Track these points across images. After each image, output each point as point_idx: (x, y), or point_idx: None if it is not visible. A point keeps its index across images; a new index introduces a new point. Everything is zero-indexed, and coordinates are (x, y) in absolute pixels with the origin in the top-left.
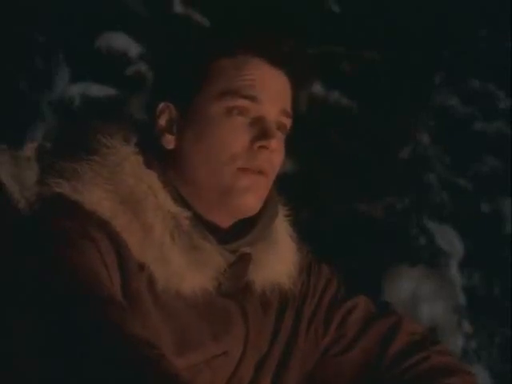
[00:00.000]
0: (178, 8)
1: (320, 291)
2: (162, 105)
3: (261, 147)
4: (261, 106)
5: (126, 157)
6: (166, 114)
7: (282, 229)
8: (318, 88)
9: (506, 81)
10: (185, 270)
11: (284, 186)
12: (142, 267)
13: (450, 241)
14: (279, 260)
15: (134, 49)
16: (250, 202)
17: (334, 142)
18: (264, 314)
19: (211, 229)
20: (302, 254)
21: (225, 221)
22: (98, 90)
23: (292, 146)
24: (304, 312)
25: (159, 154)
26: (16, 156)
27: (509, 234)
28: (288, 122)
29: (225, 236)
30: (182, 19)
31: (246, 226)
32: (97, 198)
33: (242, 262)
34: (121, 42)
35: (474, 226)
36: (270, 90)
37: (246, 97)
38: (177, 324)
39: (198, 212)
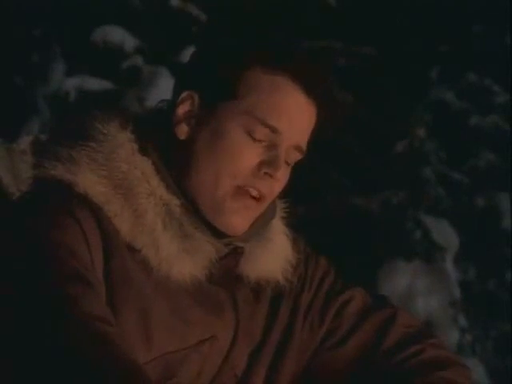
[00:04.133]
0: (174, 1)
1: (317, 283)
2: (186, 93)
3: (266, 173)
4: (280, 136)
5: (121, 143)
6: (187, 104)
7: (277, 227)
8: None
9: (502, 75)
10: (175, 257)
11: None
12: (132, 250)
13: (445, 235)
14: (273, 257)
15: (129, 42)
16: (236, 223)
17: (331, 136)
18: (255, 301)
19: (206, 220)
20: (298, 249)
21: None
22: (93, 84)
23: None
24: (301, 303)
25: (159, 140)
26: (11, 149)
27: (504, 228)
28: (299, 156)
29: (218, 229)
30: (178, 13)
31: None
32: (91, 182)
33: (234, 254)
34: (116, 35)
35: (470, 220)
36: (294, 125)
37: (268, 126)
38: (170, 305)
39: (196, 204)
